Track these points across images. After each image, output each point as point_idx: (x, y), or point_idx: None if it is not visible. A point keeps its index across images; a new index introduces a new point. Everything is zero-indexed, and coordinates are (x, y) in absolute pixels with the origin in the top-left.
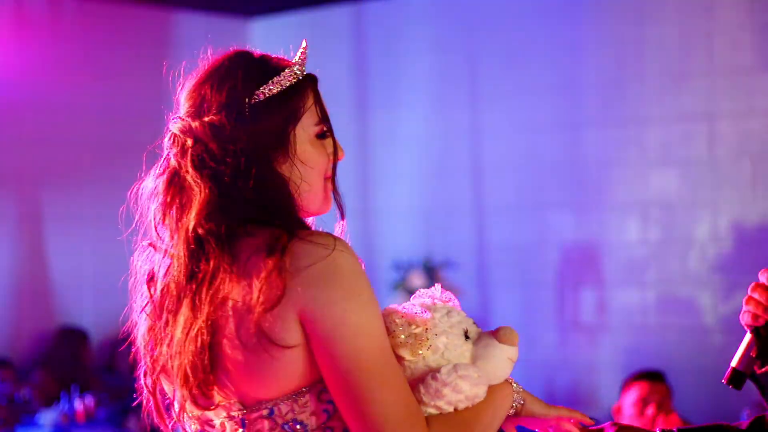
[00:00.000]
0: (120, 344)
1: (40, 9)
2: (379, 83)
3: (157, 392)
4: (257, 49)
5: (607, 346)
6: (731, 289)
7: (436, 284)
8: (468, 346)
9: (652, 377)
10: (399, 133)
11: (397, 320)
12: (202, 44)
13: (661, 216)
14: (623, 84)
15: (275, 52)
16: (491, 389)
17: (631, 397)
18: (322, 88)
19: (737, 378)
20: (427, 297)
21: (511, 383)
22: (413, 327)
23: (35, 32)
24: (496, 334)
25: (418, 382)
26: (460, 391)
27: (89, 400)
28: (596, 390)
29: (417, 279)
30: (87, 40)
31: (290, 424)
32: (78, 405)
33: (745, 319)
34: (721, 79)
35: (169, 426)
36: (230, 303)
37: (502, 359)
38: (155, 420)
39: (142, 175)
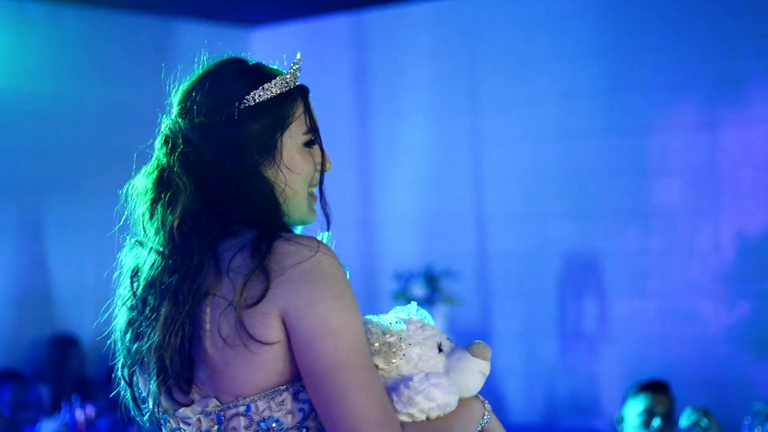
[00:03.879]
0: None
1: (40, 17)
2: (380, 92)
3: (134, 384)
4: (255, 58)
5: (609, 356)
6: (733, 299)
7: (411, 302)
8: (441, 358)
9: (658, 388)
10: (400, 142)
11: (372, 329)
12: (204, 53)
13: (663, 225)
14: (624, 93)
15: (275, 61)
16: (464, 402)
17: (637, 407)
18: (323, 96)
19: None
20: (402, 312)
21: (482, 400)
22: (387, 336)
23: (36, 41)
24: (469, 347)
25: (391, 390)
26: (432, 398)
27: (90, 410)
28: (597, 400)
29: (418, 289)
30: (88, 49)
31: (266, 421)
32: (79, 415)
33: None
34: (721, 88)
35: (145, 419)
36: (209, 298)
37: (474, 372)
38: (132, 412)
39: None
